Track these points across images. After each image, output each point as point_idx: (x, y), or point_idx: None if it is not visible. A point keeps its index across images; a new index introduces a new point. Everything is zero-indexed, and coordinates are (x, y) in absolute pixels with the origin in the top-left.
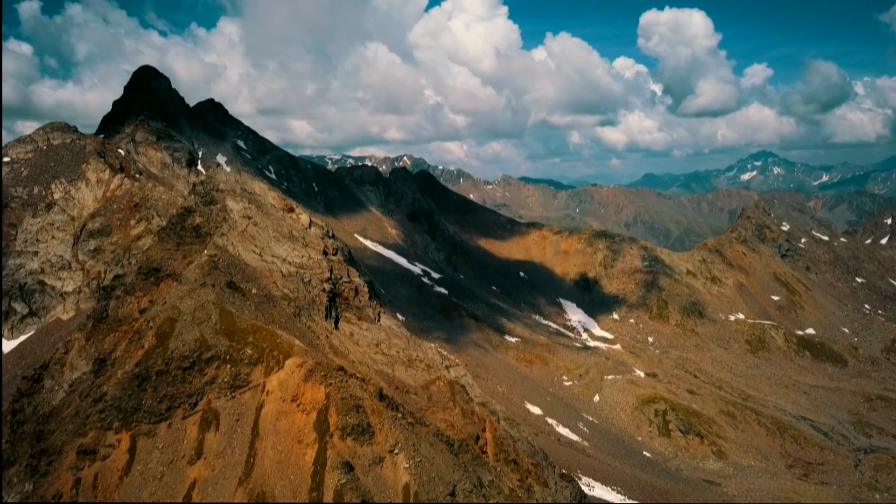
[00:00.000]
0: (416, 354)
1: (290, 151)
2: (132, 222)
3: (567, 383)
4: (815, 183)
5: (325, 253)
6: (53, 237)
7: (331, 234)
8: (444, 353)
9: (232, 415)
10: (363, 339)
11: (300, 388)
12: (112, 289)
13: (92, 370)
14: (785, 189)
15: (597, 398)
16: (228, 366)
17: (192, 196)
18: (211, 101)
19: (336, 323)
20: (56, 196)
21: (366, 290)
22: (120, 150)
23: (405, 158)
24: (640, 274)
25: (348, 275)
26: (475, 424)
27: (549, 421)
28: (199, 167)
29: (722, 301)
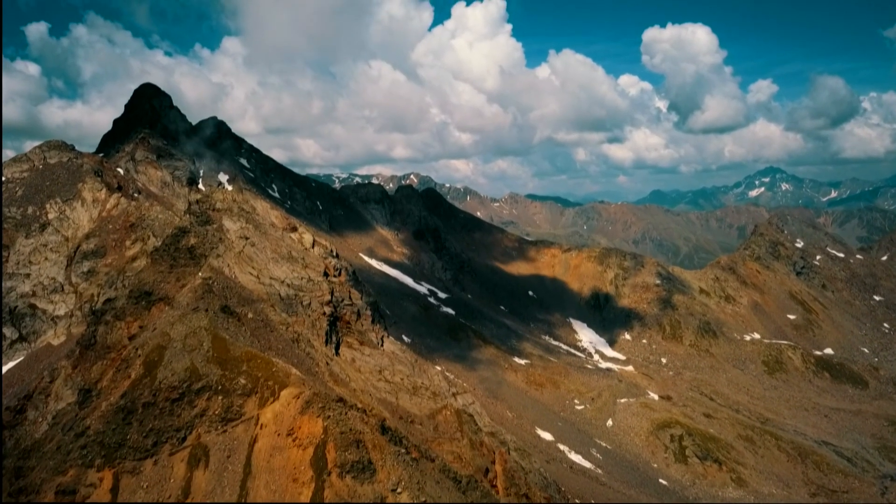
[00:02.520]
0: (422, 381)
1: (298, 170)
2: (127, 243)
3: (579, 407)
4: (824, 199)
5: (325, 274)
6: (46, 259)
7: (335, 254)
8: (452, 376)
9: (223, 450)
10: (365, 366)
11: (296, 421)
12: (102, 313)
13: (77, 401)
14: (793, 205)
15: (610, 423)
16: (220, 397)
17: (188, 216)
18: (213, 118)
19: (337, 348)
20: (50, 216)
21: (368, 312)
22: (119, 169)
23: (412, 176)
24: (653, 293)
25: (350, 297)
26: (484, 457)
27: (561, 447)
28: (201, 186)
29: (737, 320)
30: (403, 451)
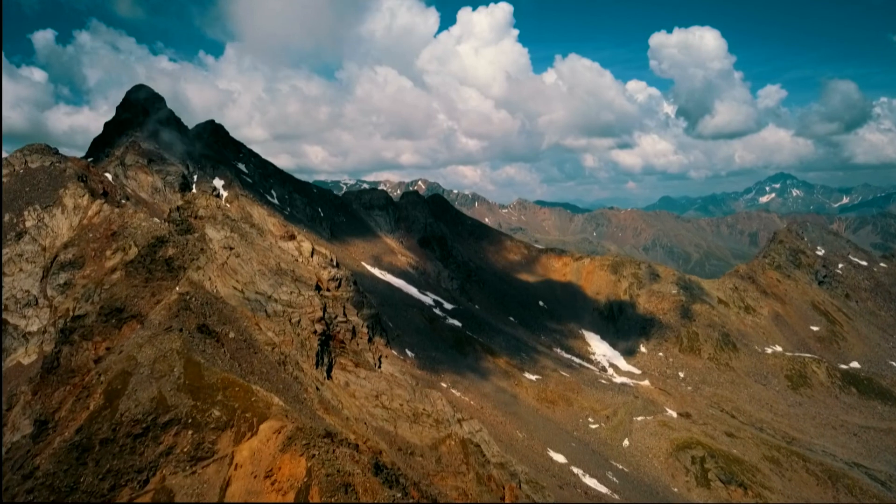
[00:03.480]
0: (423, 407)
1: (305, 177)
2: (108, 253)
3: (593, 426)
4: (836, 205)
5: (317, 288)
6: (21, 270)
7: (335, 263)
8: (458, 393)
9: (190, 495)
10: (361, 390)
11: (276, 461)
12: (70, 332)
13: (32, 433)
14: (804, 211)
15: (626, 443)
16: (190, 431)
17: (167, 224)
18: (211, 122)
19: (329, 371)
20: (28, 224)
21: (365, 330)
22: (107, 175)
23: (419, 183)
24: (669, 303)
25: (345, 313)
26: (493, 492)
27: (575, 470)
28: (194, 191)
29: (757, 332)
30: (400, 494)
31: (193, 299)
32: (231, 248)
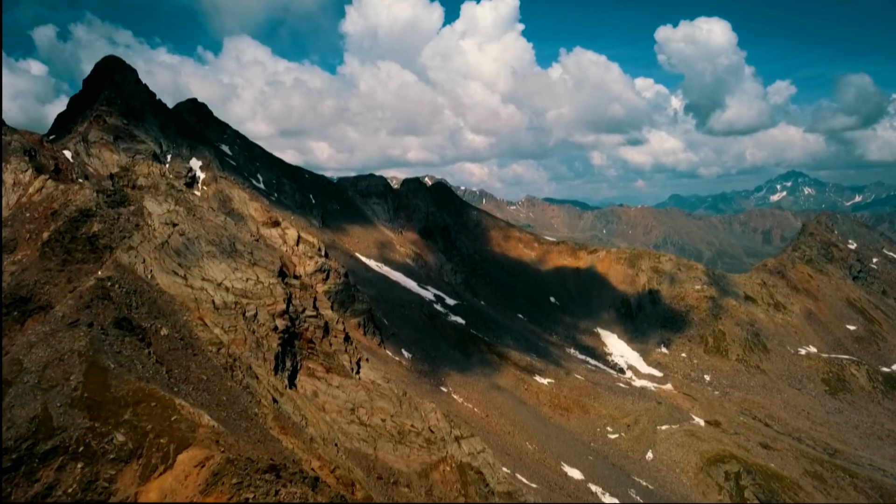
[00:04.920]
0: (412, 423)
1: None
2: (45, 235)
3: (612, 436)
4: (848, 203)
5: (282, 275)
6: None
7: (323, 252)
8: (461, 399)
9: None
10: (332, 402)
11: None
12: None
13: None
14: (817, 209)
15: (650, 455)
16: (80, 464)
17: (96, 194)
18: (193, 101)
19: (292, 378)
20: None
21: (341, 328)
22: (66, 152)
23: (426, 179)
24: (693, 299)
25: (315, 305)
26: None
27: (593, 488)
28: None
29: (788, 331)
30: None
31: (117, 286)
32: (175, 225)
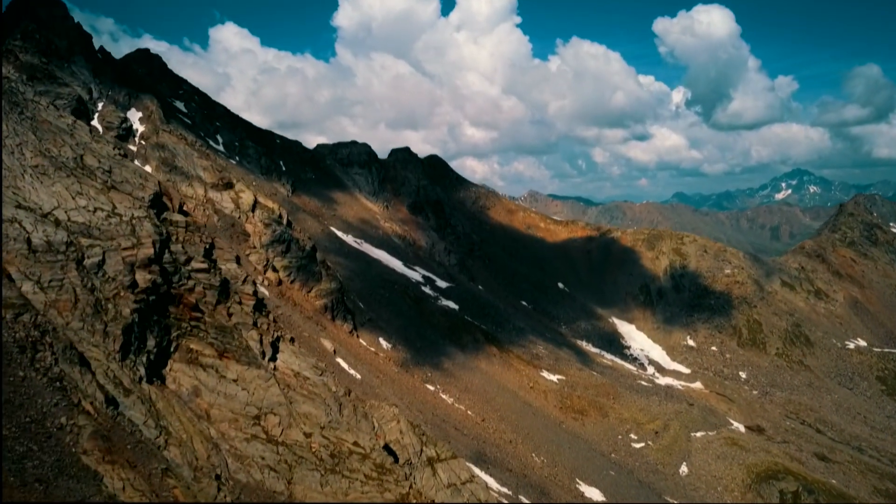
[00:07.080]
0: (355, 440)
1: None
2: None
3: (637, 445)
4: None
5: (158, 208)
6: None
7: (285, 221)
8: (451, 399)
9: None
10: (225, 406)
11: None
12: None
13: None
14: (823, 207)
15: (685, 469)
16: None
17: None
18: (145, 51)
19: (156, 366)
20: None
21: (250, 291)
22: None
23: None
24: (723, 284)
25: (211, 253)
26: None
27: None
28: (96, 123)
29: (833, 322)
30: None
31: None
32: None
